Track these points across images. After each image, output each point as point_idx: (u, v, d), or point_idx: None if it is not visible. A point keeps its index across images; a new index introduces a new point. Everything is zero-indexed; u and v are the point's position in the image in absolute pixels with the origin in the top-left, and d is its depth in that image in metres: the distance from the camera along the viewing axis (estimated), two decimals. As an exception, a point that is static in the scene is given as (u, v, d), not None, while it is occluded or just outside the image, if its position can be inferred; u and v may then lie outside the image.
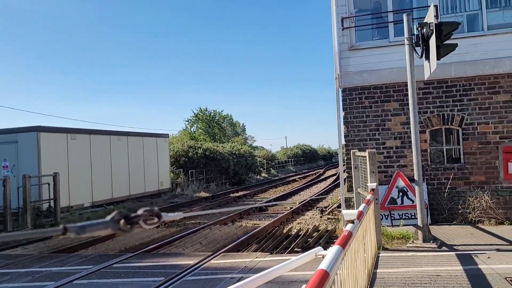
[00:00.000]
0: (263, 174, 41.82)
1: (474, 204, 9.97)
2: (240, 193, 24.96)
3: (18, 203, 14.75)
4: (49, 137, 17.13)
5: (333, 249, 2.99)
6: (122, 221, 1.22)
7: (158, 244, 10.27)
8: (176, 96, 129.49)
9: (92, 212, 16.74)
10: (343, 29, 10.98)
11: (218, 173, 31.02)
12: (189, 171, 28.07)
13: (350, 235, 3.70)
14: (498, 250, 7.45)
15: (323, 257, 2.90)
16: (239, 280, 3.46)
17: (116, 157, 20.79)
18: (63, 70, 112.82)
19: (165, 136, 26.21)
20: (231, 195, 24.46)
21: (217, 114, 70.36)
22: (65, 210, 16.28)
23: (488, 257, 6.92)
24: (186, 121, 69.10)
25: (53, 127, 17.86)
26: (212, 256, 8.22)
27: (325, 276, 2.42)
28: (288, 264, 2.89)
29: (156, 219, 1.30)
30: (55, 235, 1.05)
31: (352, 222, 4.20)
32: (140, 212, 1.26)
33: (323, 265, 2.55)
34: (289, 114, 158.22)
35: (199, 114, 68.04)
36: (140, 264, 7.93)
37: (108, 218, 1.19)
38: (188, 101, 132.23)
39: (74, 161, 18.05)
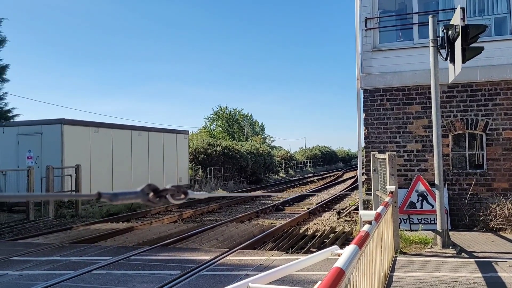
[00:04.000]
0: (281, 174, 41.77)
1: (496, 211, 9.76)
2: (258, 192, 24.98)
3: (41, 193, 15.09)
4: (73, 129, 17.49)
5: (350, 248, 2.98)
6: (151, 194, 1.28)
7: (175, 238, 10.37)
8: (196, 93, 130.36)
9: (112, 205, 17.00)
10: (366, 30, 10.88)
11: (236, 172, 31.13)
12: (208, 168, 28.25)
13: (367, 235, 3.68)
14: (519, 258, 7.28)
15: (339, 256, 2.90)
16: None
17: (137, 151, 21.09)
18: (84, 63, 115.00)
19: (185, 132, 26.44)
20: (257, 193, 24.52)
21: (237, 112, 70.51)
22: (86, 202, 16.59)
23: (509, 266, 6.77)
24: (206, 118, 69.43)
25: (77, 120, 18.22)
26: (228, 253, 8.27)
27: (340, 274, 2.42)
28: (304, 261, 2.89)
29: (183, 196, 1.36)
30: (90, 199, 1.15)
31: (370, 223, 4.17)
32: (168, 186, 1.33)
33: (339, 263, 2.55)
34: (309, 115, 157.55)
35: (219, 112, 68.30)
36: (157, 258, 8.03)
37: (139, 189, 1.25)
38: (208, 99, 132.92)
39: (96, 154, 18.39)
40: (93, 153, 18.31)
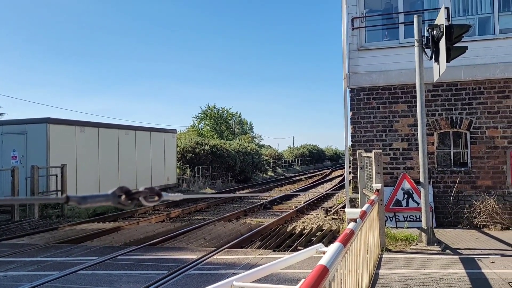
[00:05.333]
0: (269, 173, 41.83)
1: (480, 209, 9.91)
2: (246, 191, 25.01)
3: (26, 193, 14.90)
4: (58, 129, 17.28)
5: (334, 246, 3.00)
6: (123, 196, 1.26)
7: (163, 238, 10.33)
8: (184, 92, 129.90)
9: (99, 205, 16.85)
10: (353, 29, 10.95)
11: (224, 170, 31.09)
12: (196, 167, 28.16)
13: (352, 233, 3.71)
14: (502, 255, 7.41)
15: (323, 253, 2.92)
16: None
17: (124, 151, 20.92)
18: (70, 62, 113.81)
19: (173, 131, 26.30)
20: (237, 192, 24.52)
21: (225, 111, 70.45)
22: (72, 202, 16.41)
23: (492, 262, 6.89)
24: (194, 117, 69.27)
25: (62, 119, 18.01)
26: (215, 252, 8.26)
27: (324, 271, 2.43)
28: (288, 259, 2.91)
29: (156, 198, 1.34)
30: (58, 202, 1.11)
31: (355, 221, 4.21)
32: (141, 189, 1.31)
33: (323, 261, 2.56)
34: (298, 114, 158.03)
35: (207, 111, 68.17)
36: (144, 257, 8.00)
37: (110, 192, 1.23)
38: (196, 97, 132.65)
39: (82, 154, 18.20)
40: (79, 152, 18.12)
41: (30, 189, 14.63)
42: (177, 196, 1.53)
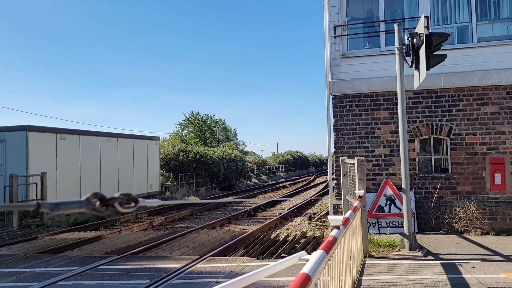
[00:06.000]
0: (253, 180, 41.78)
1: (460, 214, 10.06)
2: (230, 198, 24.90)
3: (5, 202, 14.55)
4: (38, 136, 16.99)
5: (317, 253, 3.00)
6: (97, 203, 1.22)
7: (145, 247, 10.19)
8: (167, 99, 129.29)
9: (80, 214, 16.59)
10: (335, 37, 11.07)
11: (208, 178, 30.92)
12: (179, 174, 27.95)
13: (334, 240, 3.72)
14: (482, 260, 7.52)
15: (306, 261, 2.91)
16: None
17: (106, 158, 20.66)
18: (51, 69, 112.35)
19: (156, 139, 26.09)
20: (221, 199, 24.41)
21: (209, 118, 70.28)
22: (52, 210, 16.11)
23: (473, 267, 6.98)
24: (177, 124, 68.96)
25: (43, 127, 17.71)
26: (198, 260, 8.19)
27: (306, 280, 2.43)
28: (271, 267, 2.89)
29: (132, 204, 1.30)
30: (29, 209, 1.07)
31: (338, 228, 4.22)
32: (116, 195, 1.27)
33: (305, 269, 2.56)
34: (281, 120, 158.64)
35: (191, 118, 67.91)
36: (126, 267, 7.87)
37: (83, 198, 1.19)
38: (179, 104, 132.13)
39: (62, 162, 17.91)
40: (60, 160, 17.83)
41: (9, 199, 14.31)
42: (154, 202, 1.50)
